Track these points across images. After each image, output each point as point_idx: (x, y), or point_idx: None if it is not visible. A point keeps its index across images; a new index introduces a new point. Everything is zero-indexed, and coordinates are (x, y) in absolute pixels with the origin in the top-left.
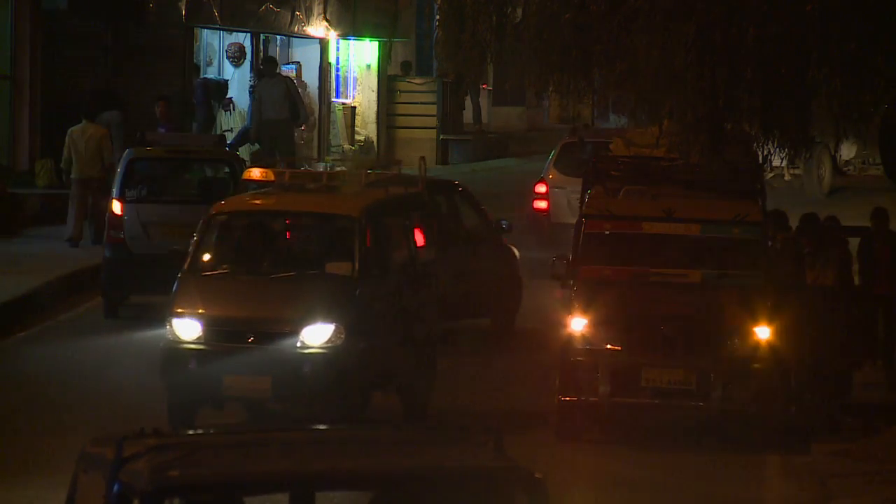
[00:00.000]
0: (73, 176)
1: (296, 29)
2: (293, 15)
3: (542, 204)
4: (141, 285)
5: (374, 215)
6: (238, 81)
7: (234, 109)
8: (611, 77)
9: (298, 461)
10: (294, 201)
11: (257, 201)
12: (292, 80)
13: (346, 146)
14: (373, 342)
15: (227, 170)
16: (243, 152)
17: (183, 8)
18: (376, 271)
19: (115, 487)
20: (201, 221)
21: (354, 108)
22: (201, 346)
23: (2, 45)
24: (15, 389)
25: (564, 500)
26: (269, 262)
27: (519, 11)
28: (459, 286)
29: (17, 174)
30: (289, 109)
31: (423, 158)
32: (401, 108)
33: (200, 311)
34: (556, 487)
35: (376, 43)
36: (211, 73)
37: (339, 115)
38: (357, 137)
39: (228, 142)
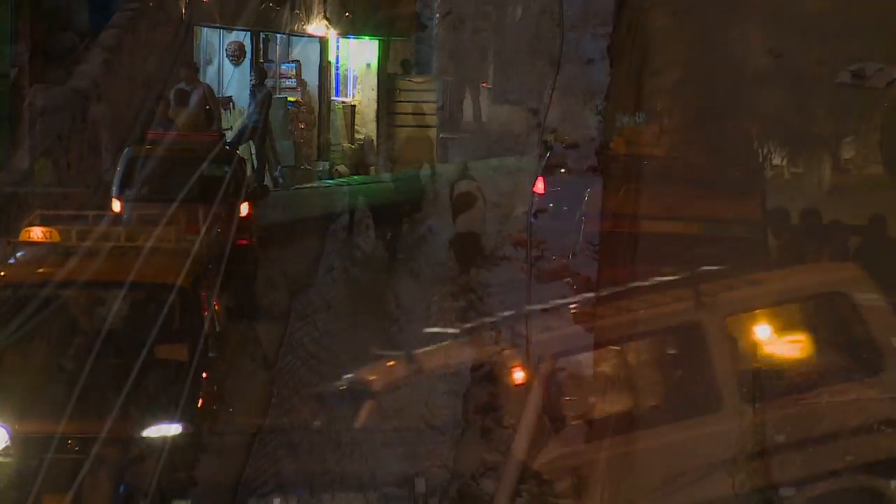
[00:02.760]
0: None
1: (295, 28)
2: (293, 14)
3: None
4: None
5: (198, 282)
6: (237, 80)
7: (233, 108)
8: None
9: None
10: (103, 268)
11: (53, 269)
12: (210, 88)
13: (346, 144)
14: (211, 432)
15: (227, 169)
16: (242, 151)
17: (183, 6)
18: (212, 351)
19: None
20: None
21: (354, 106)
22: (8, 460)
23: (1, 45)
24: None
25: (562, 498)
26: (81, 346)
27: (519, 11)
28: None
29: (17, 173)
30: (204, 117)
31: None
32: (400, 107)
33: (4, 414)
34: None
35: (376, 42)
36: (210, 72)
37: (339, 114)
38: (357, 136)
39: (228, 141)
